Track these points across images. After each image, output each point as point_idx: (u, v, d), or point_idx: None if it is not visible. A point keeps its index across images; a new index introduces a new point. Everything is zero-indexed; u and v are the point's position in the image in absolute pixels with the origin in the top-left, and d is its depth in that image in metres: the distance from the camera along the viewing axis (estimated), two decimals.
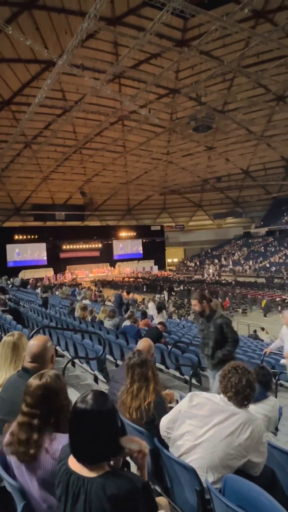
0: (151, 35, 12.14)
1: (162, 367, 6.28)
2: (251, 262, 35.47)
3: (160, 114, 21.41)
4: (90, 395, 1.21)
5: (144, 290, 30.34)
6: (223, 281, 31.47)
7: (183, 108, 21.93)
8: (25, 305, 12.12)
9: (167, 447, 1.99)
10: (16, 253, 36.07)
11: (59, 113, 21.65)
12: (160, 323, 7.00)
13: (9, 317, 7.18)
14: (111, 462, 1.25)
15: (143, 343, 2.83)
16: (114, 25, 14.88)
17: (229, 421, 1.82)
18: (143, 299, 24.81)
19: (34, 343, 1.94)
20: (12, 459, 1.47)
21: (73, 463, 1.21)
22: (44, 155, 26.16)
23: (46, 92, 15.38)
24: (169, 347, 6.26)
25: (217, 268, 37.78)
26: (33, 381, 1.50)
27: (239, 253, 39.40)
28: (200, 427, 1.85)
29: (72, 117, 20.50)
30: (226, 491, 1.67)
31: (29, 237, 36.03)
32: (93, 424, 1.17)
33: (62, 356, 5.08)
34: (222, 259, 39.69)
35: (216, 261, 39.84)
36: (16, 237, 35.37)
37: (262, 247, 37.65)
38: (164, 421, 2.01)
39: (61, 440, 1.38)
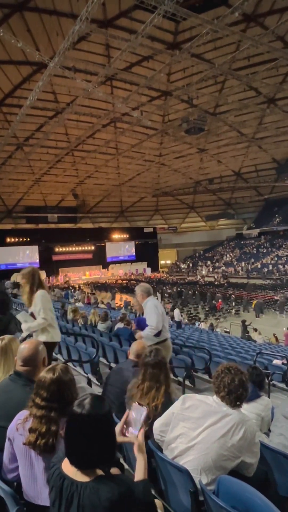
0: (143, 37, 12.18)
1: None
2: (243, 263, 35.68)
3: (152, 116, 21.47)
4: (88, 399, 1.21)
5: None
6: (216, 283, 31.60)
7: (175, 110, 22.03)
8: (17, 308, 12.03)
9: (161, 450, 1.99)
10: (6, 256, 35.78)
11: (51, 115, 21.59)
12: None
13: None
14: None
15: (137, 346, 2.83)
16: (106, 28, 14.89)
17: (222, 423, 1.82)
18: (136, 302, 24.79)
19: (25, 347, 1.93)
20: (20, 451, 1.55)
21: (67, 468, 1.20)
22: (36, 157, 26.05)
23: (38, 94, 15.32)
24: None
25: (210, 269, 37.93)
26: (46, 376, 1.59)
27: (231, 254, 39.60)
28: (193, 429, 1.85)
29: (64, 119, 20.46)
30: (220, 492, 1.67)
31: (21, 239, 35.77)
32: (89, 429, 1.17)
33: (56, 359, 5.04)
34: (215, 260, 39.87)
35: (208, 262, 40.00)
36: (8, 239, 35.09)
37: (254, 249, 37.89)
38: (157, 424, 2.01)
39: None
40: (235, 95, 20.02)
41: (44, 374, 1.61)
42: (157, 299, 18.71)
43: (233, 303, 23.73)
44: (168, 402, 2.18)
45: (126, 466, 2.27)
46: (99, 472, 1.18)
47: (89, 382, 4.87)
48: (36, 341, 2.01)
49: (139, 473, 1.50)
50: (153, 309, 3.87)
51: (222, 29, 12.15)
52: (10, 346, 2.26)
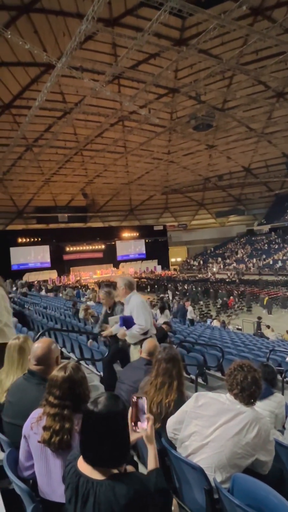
0: (149, 35, 12.13)
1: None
2: (254, 259, 35.37)
3: (160, 114, 21.39)
4: (102, 397, 1.22)
5: (148, 290, 30.35)
6: (227, 280, 31.41)
7: (183, 107, 21.91)
8: (30, 307, 12.16)
9: (174, 448, 2.00)
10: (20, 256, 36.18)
11: (59, 116, 21.69)
12: (165, 323, 7.00)
13: (14, 320, 7.21)
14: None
15: (148, 344, 2.84)
16: (112, 26, 14.88)
17: (235, 420, 1.82)
18: (148, 299, 24.82)
19: (38, 346, 1.96)
20: (36, 449, 1.58)
21: (82, 466, 1.22)
22: (46, 157, 26.21)
23: (46, 95, 15.41)
24: (175, 347, 6.26)
25: (221, 266, 37.72)
26: (58, 374, 1.63)
27: (242, 251, 39.30)
28: (207, 427, 1.85)
29: (73, 119, 20.53)
30: (234, 490, 1.67)
31: (32, 239, 36.10)
32: (103, 427, 1.18)
33: (68, 358, 5.09)
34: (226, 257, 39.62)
35: (219, 259, 39.76)
36: (20, 240, 35.45)
37: (266, 245, 37.52)
38: (170, 422, 2.01)
39: None
40: (243, 90, 19.80)
41: (56, 373, 1.65)
42: (167, 296, 18.75)
43: (245, 300, 23.55)
44: (181, 398, 2.18)
45: (140, 465, 2.28)
46: (114, 470, 1.19)
47: (102, 381, 4.89)
48: (48, 340, 2.03)
49: (151, 462, 1.56)
50: (140, 307, 3.74)
51: (229, 23, 12.01)
52: (26, 344, 2.30)
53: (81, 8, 14.07)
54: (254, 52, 15.97)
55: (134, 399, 1.61)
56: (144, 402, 1.61)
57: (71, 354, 6.23)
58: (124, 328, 3.75)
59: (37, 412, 1.63)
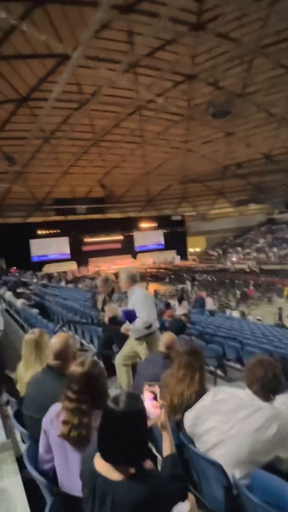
0: (166, 21, 11.86)
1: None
2: (275, 249, 34.71)
3: (177, 102, 21.03)
4: (123, 395, 1.23)
5: (167, 280, 30.34)
6: (247, 270, 31.02)
7: (201, 94, 21.44)
8: (50, 299, 12.36)
9: (192, 442, 1.99)
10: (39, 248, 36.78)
11: (76, 107, 21.63)
12: (183, 314, 6.98)
13: (35, 311, 7.35)
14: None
15: (166, 337, 2.82)
16: (127, 13, 14.61)
17: (254, 416, 1.79)
18: (165, 291, 24.83)
19: (55, 341, 1.99)
20: (55, 443, 1.60)
21: (99, 464, 1.22)
22: (63, 149, 26.28)
23: (62, 86, 15.36)
24: (193, 338, 6.25)
25: (241, 256, 37.23)
26: (76, 369, 1.65)
27: (262, 240, 38.61)
28: (225, 422, 1.83)
29: (89, 110, 20.46)
30: (254, 487, 1.66)
31: (51, 231, 36.61)
32: (123, 425, 1.18)
33: (87, 350, 5.14)
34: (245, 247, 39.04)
35: (239, 249, 39.24)
36: (39, 232, 36.03)
37: (287, 233, 36.71)
38: (188, 416, 2.00)
39: None
40: (263, 74, 19.16)
41: (74, 368, 1.67)
42: (186, 287, 18.71)
43: (265, 290, 23.23)
44: (202, 391, 2.16)
45: (158, 457, 2.29)
46: (132, 469, 1.19)
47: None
48: (65, 335, 2.05)
49: (166, 448, 1.58)
50: (143, 300, 3.69)
51: (249, 4, 11.60)
52: (42, 338, 2.34)
53: None
54: (275, 33, 15.38)
55: (147, 387, 1.62)
56: (156, 390, 1.62)
57: (90, 345, 6.31)
58: (127, 322, 3.72)
59: (57, 407, 1.65)
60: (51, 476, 1.66)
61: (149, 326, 3.68)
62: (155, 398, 1.60)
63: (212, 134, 28.22)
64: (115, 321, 4.16)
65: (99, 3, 11.04)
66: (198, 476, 1.95)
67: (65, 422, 1.56)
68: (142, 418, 1.22)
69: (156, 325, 3.89)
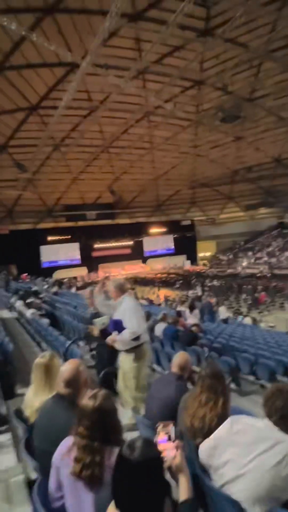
0: (174, 27, 11.87)
1: (199, 369, 6.14)
2: (286, 253, 34.29)
3: (186, 107, 21.02)
4: (139, 442, 1.15)
5: (177, 286, 30.18)
6: (258, 274, 30.68)
7: (209, 99, 21.40)
8: (60, 306, 12.36)
9: (208, 474, 1.90)
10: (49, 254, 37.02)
11: (85, 114, 21.81)
12: (195, 325, 6.87)
13: (45, 321, 7.32)
14: None
15: (180, 358, 2.73)
16: (135, 21, 14.69)
17: (274, 450, 1.69)
18: (176, 296, 24.67)
19: (66, 369, 1.92)
20: (67, 481, 1.52)
21: None
22: (73, 156, 26.51)
23: (72, 94, 15.49)
24: (205, 349, 6.14)
25: (251, 261, 36.89)
26: (88, 404, 1.56)
27: (274, 244, 38.20)
28: (244, 456, 1.74)
29: (98, 117, 20.60)
30: None
31: (62, 237, 36.85)
32: (140, 474, 1.10)
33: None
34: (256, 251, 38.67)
35: (250, 253, 38.89)
36: (50, 238, 36.30)
37: None
38: (203, 447, 1.91)
39: None
40: (272, 78, 19.05)
41: (86, 402, 1.58)
42: (196, 293, 18.57)
43: (278, 295, 22.90)
44: (225, 415, 2.06)
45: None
46: None
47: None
48: (76, 362, 1.98)
49: (183, 492, 1.48)
50: (132, 311, 3.54)
51: (257, 9, 11.54)
52: (52, 363, 2.27)
53: (105, 5, 13.96)
54: (283, 37, 15.27)
55: (161, 426, 1.54)
56: (171, 430, 1.54)
57: None
58: (116, 332, 3.55)
59: (68, 441, 1.58)
60: None
61: (137, 338, 3.51)
62: (169, 438, 1.51)
63: (221, 139, 28.12)
64: (106, 334, 3.91)
65: (108, 12, 11.09)
66: (216, 510, 1.86)
67: (76, 460, 1.49)
68: (160, 466, 1.15)
69: (145, 337, 3.71)
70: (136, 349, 3.55)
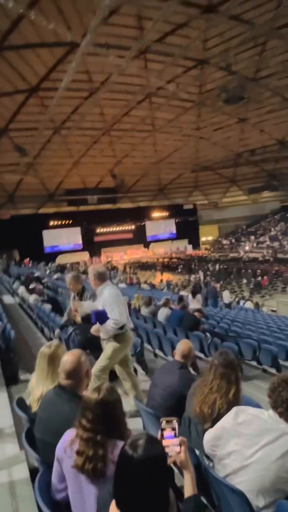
0: (176, 4, 11.46)
1: (201, 355, 6.17)
2: None
3: (188, 88, 20.53)
4: (142, 440, 1.12)
5: (179, 270, 30.20)
6: (261, 259, 30.61)
7: (213, 79, 20.86)
8: (62, 291, 12.37)
9: (212, 463, 1.89)
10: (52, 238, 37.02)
11: (86, 96, 21.36)
12: (197, 310, 6.86)
13: (47, 307, 7.32)
14: None
15: (183, 346, 2.71)
16: None
17: (279, 442, 1.68)
18: (178, 281, 24.71)
19: (67, 360, 1.89)
20: (69, 473, 1.51)
21: None
22: (74, 139, 26.11)
23: (72, 75, 15.12)
24: (207, 334, 6.13)
25: (254, 245, 36.76)
26: (92, 396, 1.54)
27: (276, 228, 37.97)
28: (248, 447, 1.72)
29: (99, 99, 20.17)
30: None
31: (63, 222, 36.76)
32: (143, 473, 1.07)
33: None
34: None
35: (252, 237, 38.72)
36: (52, 223, 36.21)
37: None
38: (208, 437, 1.89)
39: None
40: (277, 56, 18.48)
41: (89, 395, 1.57)
42: (198, 277, 18.51)
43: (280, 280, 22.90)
44: (236, 404, 2.03)
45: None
46: None
47: (135, 371, 4.86)
48: (78, 352, 1.95)
49: (188, 489, 1.47)
50: (114, 300, 3.43)
51: None
52: (57, 353, 2.25)
53: None
54: None
55: (164, 422, 1.51)
56: (175, 425, 1.51)
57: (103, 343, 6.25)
58: (98, 324, 3.46)
59: (70, 434, 1.56)
60: (64, 506, 1.58)
61: (122, 327, 3.45)
62: (174, 434, 1.49)
63: (225, 121, 27.57)
64: (89, 320, 3.75)
65: None
66: (219, 500, 1.85)
67: (79, 453, 1.47)
68: (163, 464, 1.12)
69: (130, 325, 3.64)
70: (119, 336, 3.48)
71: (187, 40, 15.49)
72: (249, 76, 20.71)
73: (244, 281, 24.17)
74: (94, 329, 3.60)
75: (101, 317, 3.39)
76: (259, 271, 24.46)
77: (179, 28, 16.64)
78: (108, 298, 3.45)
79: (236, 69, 18.96)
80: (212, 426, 1.94)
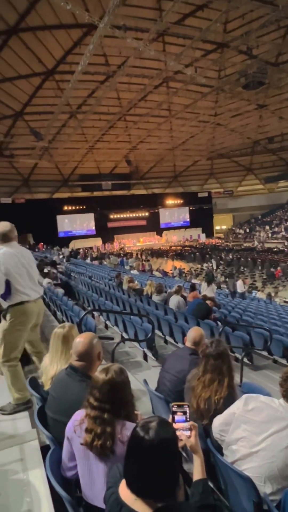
0: None
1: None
2: None
3: (207, 72, 20.01)
4: (154, 422, 1.12)
5: (192, 259, 30.08)
6: (275, 249, 30.22)
7: (232, 63, 20.27)
8: (75, 276, 12.49)
9: (220, 449, 1.91)
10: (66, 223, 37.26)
11: (102, 80, 21.11)
12: (209, 298, 6.83)
13: (60, 291, 7.42)
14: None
15: (194, 332, 2.71)
16: None
17: None
18: (190, 269, 24.66)
19: (80, 341, 1.91)
20: (78, 451, 1.55)
21: (125, 493, 1.14)
22: (89, 124, 25.96)
23: (89, 58, 14.92)
24: (219, 323, 6.12)
25: (269, 235, 36.25)
26: (100, 376, 1.58)
27: None
28: (257, 434, 1.73)
29: (116, 83, 19.87)
30: (286, 505, 1.57)
31: (77, 207, 36.89)
32: (154, 456, 1.08)
33: (112, 338, 5.10)
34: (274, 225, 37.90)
35: (267, 227, 38.16)
36: (66, 208, 36.40)
37: None
38: (216, 423, 1.91)
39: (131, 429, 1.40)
40: None
41: (98, 374, 1.60)
42: (211, 266, 18.37)
43: None
44: (232, 396, 2.05)
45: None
46: (159, 503, 1.09)
47: (145, 357, 4.92)
48: (90, 335, 1.97)
49: (197, 473, 1.49)
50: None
51: None
52: (70, 334, 2.29)
53: None
54: None
55: (176, 407, 1.52)
56: (186, 409, 1.53)
57: (115, 328, 6.33)
58: None
59: (80, 414, 1.60)
60: (74, 483, 1.62)
61: (6, 296, 2.86)
62: (185, 418, 1.50)
63: (243, 107, 26.87)
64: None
65: None
66: (226, 485, 1.88)
67: (87, 430, 1.50)
68: (173, 447, 1.13)
69: (22, 296, 2.92)
70: (9, 309, 2.91)
71: (207, 22, 15.03)
72: (270, 61, 20.07)
73: (258, 271, 23.95)
74: None
75: None
76: (276, 261, 24.18)
77: (199, 10, 16.18)
78: None
79: (257, 53, 18.37)
80: (210, 422, 1.96)
